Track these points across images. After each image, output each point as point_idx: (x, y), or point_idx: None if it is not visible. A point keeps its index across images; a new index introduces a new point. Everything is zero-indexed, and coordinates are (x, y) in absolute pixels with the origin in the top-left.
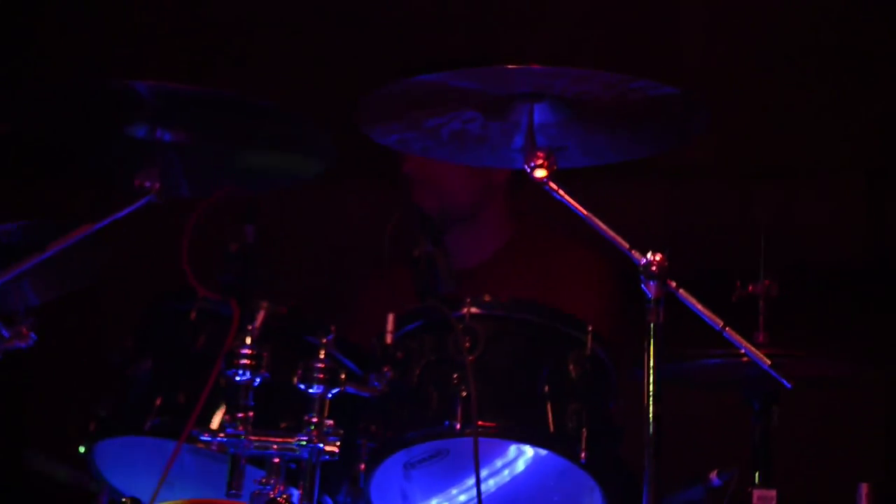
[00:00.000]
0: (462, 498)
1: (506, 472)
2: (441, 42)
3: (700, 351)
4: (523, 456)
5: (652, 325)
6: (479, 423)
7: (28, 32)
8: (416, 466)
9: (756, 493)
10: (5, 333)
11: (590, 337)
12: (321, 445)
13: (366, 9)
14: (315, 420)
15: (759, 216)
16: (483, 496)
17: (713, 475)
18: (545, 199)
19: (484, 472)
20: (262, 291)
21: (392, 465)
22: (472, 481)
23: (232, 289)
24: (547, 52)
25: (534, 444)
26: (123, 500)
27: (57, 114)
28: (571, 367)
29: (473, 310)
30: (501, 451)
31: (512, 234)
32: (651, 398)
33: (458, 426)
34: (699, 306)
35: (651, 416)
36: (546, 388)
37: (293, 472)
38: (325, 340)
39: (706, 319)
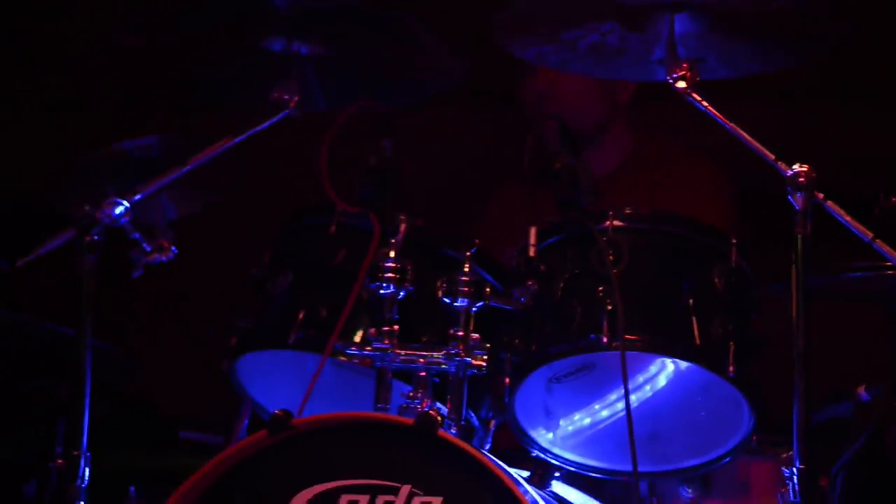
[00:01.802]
0: (605, 413)
1: (647, 387)
2: None
3: (844, 264)
4: (665, 371)
5: (799, 237)
6: (626, 336)
7: None
8: (561, 381)
9: None
10: (146, 247)
11: (734, 249)
12: (468, 359)
13: None
14: (461, 334)
15: None
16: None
17: (861, 390)
18: (662, 112)
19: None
20: (397, 206)
21: (536, 380)
22: (614, 396)
23: (371, 202)
24: None
25: (682, 357)
26: (276, 411)
27: (193, 27)
28: (716, 279)
29: (616, 223)
30: (643, 367)
31: (633, 147)
32: (798, 311)
33: (605, 340)
34: (848, 218)
35: (799, 330)
36: (690, 301)
37: (437, 386)
38: (468, 254)
39: (855, 231)
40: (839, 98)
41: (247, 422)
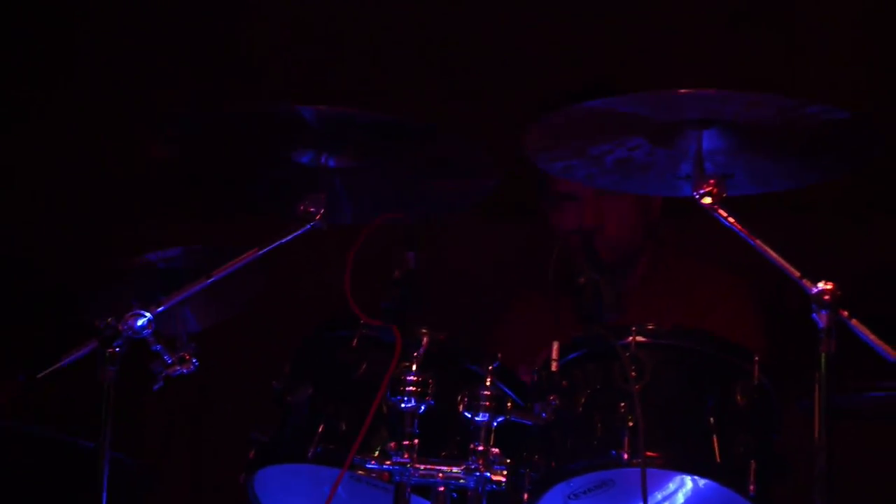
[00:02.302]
0: None
1: None
2: (607, 70)
3: (868, 383)
4: (683, 488)
5: (823, 355)
6: (646, 453)
7: (198, 58)
8: (579, 497)
9: None
10: (168, 359)
11: (756, 366)
12: (488, 474)
13: (529, 37)
14: (481, 448)
15: None
16: None
17: None
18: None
19: None
20: (419, 319)
21: (555, 496)
22: None
23: (394, 315)
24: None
25: (702, 475)
26: None
27: (222, 140)
28: (738, 397)
29: (639, 338)
30: (663, 484)
31: (654, 261)
32: (822, 430)
33: (626, 456)
34: (872, 336)
35: (823, 448)
36: (712, 419)
37: (455, 501)
38: (491, 368)
39: (878, 350)
40: (859, 213)
41: None
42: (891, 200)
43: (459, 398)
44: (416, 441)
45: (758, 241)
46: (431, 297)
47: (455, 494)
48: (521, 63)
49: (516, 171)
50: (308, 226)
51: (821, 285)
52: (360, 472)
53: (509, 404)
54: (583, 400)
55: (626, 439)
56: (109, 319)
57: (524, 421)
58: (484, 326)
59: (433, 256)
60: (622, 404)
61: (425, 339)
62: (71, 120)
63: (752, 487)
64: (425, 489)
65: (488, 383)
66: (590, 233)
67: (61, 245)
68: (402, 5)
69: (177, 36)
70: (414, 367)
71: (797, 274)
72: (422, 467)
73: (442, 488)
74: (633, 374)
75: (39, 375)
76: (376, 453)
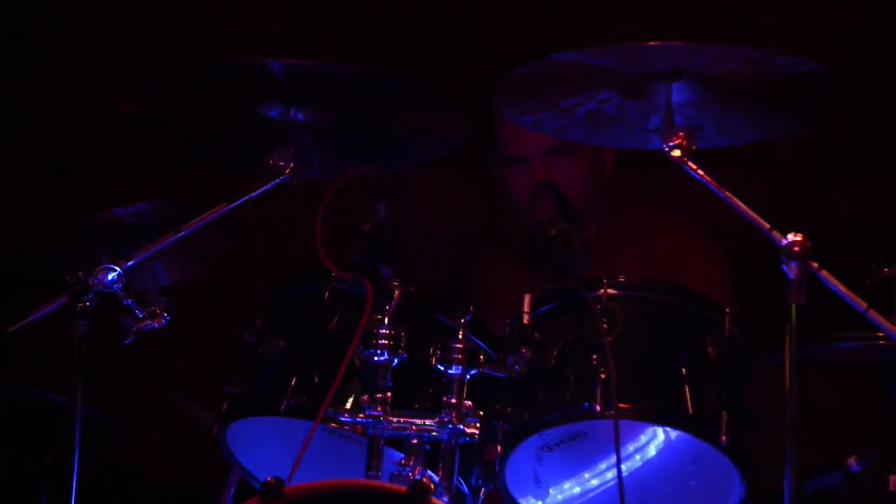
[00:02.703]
0: (594, 482)
1: (637, 456)
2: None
3: (835, 334)
4: (655, 440)
5: (793, 307)
6: (619, 404)
7: (161, 12)
8: (552, 449)
9: (893, 478)
10: (139, 313)
11: (727, 319)
12: (461, 427)
13: None
14: (454, 401)
15: None
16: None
17: (851, 460)
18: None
19: (616, 458)
20: (390, 271)
21: (527, 448)
22: (604, 465)
23: (365, 268)
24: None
25: (674, 426)
26: (267, 479)
27: (189, 94)
28: (710, 349)
29: (611, 291)
30: (634, 436)
31: (608, 212)
32: (792, 381)
33: (598, 408)
34: (842, 288)
35: (793, 399)
36: (683, 371)
37: (428, 454)
38: (463, 321)
39: (849, 301)
40: (828, 166)
41: (233, 489)
42: (854, 154)
43: (432, 351)
44: (388, 394)
45: (727, 194)
46: (401, 251)
47: (428, 447)
48: (488, 16)
49: (482, 123)
50: (277, 180)
51: (790, 237)
52: (333, 424)
53: (482, 357)
54: (555, 352)
55: (599, 391)
56: (79, 274)
57: (497, 374)
58: (455, 280)
59: (402, 210)
60: (594, 356)
61: (397, 292)
62: (31, 73)
63: (723, 438)
64: (398, 442)
65: (461, 336)
66: (553, 185)
67: (28, 202)
68: None
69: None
70: (386, 320)
71: (767, 226)
72: (395, 420)
73: (415, 441)
74: (605, 326)
75: (9, 330)
76: (349, 406)
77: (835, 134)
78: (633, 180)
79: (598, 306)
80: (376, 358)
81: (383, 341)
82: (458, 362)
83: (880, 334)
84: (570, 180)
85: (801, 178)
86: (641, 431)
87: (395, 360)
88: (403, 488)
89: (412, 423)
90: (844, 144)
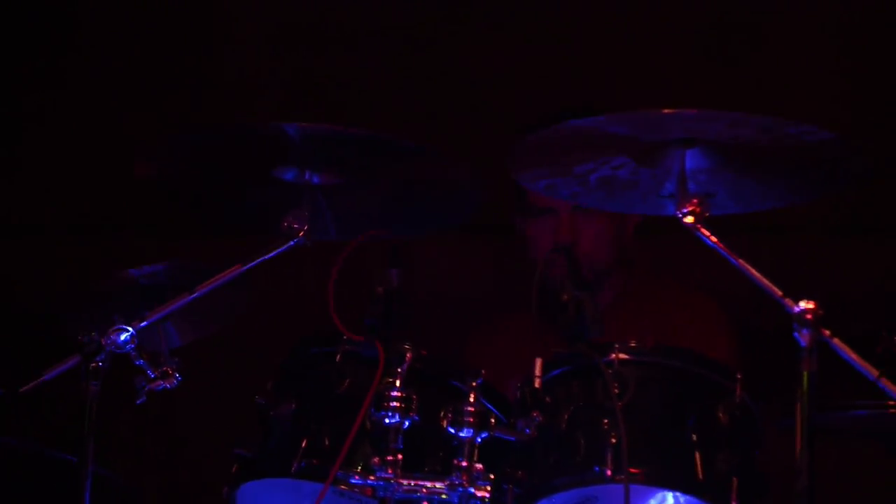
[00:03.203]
0: None
1: None
2: (586, 91)
3: (847, 402)
4: None
5: (805, 374)
6: (629, 469)
7: (176, 77)
8: None
9: None
10: (151, 374)
11: (739, 384)
12: (471, 490)
13: (512, 58)
14: (464, 464)
15: None
16: None
17: None
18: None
19: None
20: (402, 335)
21: None
22: None
23: (377, 331)
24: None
25: (685, 491)
26: None
27: (205, 158)
28: (721, 414)
29: (622, 356)
30: (643, 501)
31: (625, 280)
32: (804, 448)
33: (609, 472)
34: (853, 355)
35: (804, 465)
36: (694, 436)
37: None
38: (474, 384)
39: (860, 369)
40: (838, 233)
41: None
42: (870, 220)
43: (443, 414)
44: (399, 456)
45: (739, 261)
46: (414, 314)
47: None
48: (505, 83)
49: (496, 189)
50: (291, 242)
51: (802, 304)
52: (343, 486)
53: (493, 420)
54: (566, 416)
55: (609, 455)
56: (92, 334)
57: (507, 437)
58: (466, 344)
59: (415, 274)
60: (605, 421)
61: (408, 355)
62: (48, 134)
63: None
64: None
65: (472, 399)
66: (566, 248)
67: (43, 263)
68: (384, 22)
69: (157, 56)
70: (397, 383)
71: (779, 293)
72: (405, 483)
73: (425, 503)
74: (616, 390)
75: (22, 390)
76: (359, 468)
77: (845, 201)
78: (646, 247)
79: (610, 371)
80: (387, 420)
81: (395, 403)
82: (470, 425)
83: (891, 402)
84: (594, 240)
85: (811, 244)
86: (651, 496)
87: (407, 423)
88: None
89: (423, 486)
90: (854, 212)
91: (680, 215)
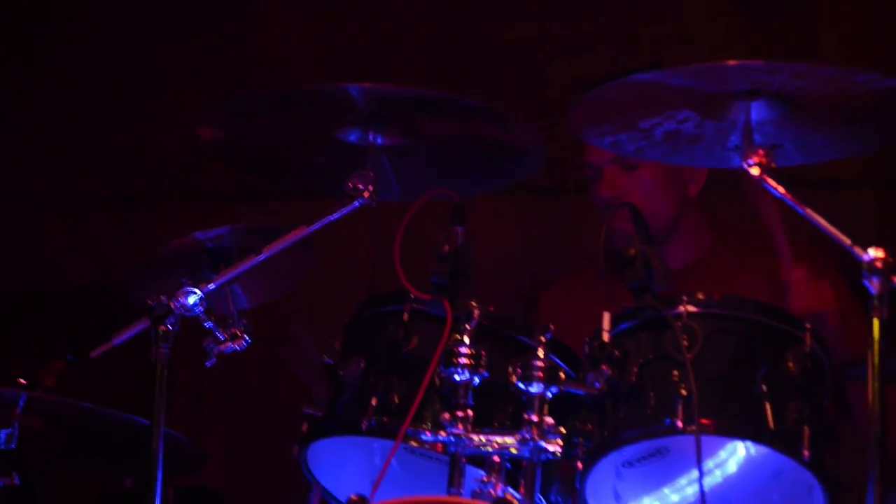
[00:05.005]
0: (674, 497)
1: (717, 472)
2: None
3: None
4: (735, 456)
5: (876, 322)
6: (701, 420)
7: (242, 41)
8: (633, 466)
9: None
10: (220, 336)
11: (808, 335)
12: (542, 444)
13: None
14: (535, 419)
15: None
16: (697, 497)
17: None
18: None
19: (696, 474)
20: (467, 293)
21: (608, 465)
22: (684, 481)
23: (444, 289)
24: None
25: (757, 441)
26: (351, 496)
27: (270, 120)
28: (790, 364)
29: (690, 308)
30: (714, 451)
31: (711, 243)
32: (876, 396)
33: (680, 424)
34: None
35: (876, 414)
36: (764, 387)
37: (509, 472)
38: (543, 339)
39: None
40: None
41: None
42: None
43: (512, 369)
44: (469, 412)
45: (808, 210)
46: (478, 273)
47: (509, 465)
48: (563, 41)
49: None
50: (356, 203)
51: (872, 252)
52: (413, 443)
53: (562, 375)
54: (635, 370)
55: (680, 407)
56: (161, 298)
57: (577, 391)
58: (538, 305)
59: (476, 232)
60: (675, 373)
61: (476, 312)
62: (116, 103)
63: (806, 453)
64: (480, 460)
65: (541, 354)
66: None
67: (109, 232)
68: None
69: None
70: (466, 340)
71: (848, 241)
72: (476, 438)
73: (496, 458)
74: (685, 343)
75: (93, 353)
76: (430, 425)
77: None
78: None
79: (679, 324)
80: (457, 377)
81: (464, 360)
82: (539, 380)
83: None
84: (645, 192)
85: (866, 198)
86: (721, 447)
87: (476, 379)
88: None
89: (493, 441)
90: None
91: (746, 166)
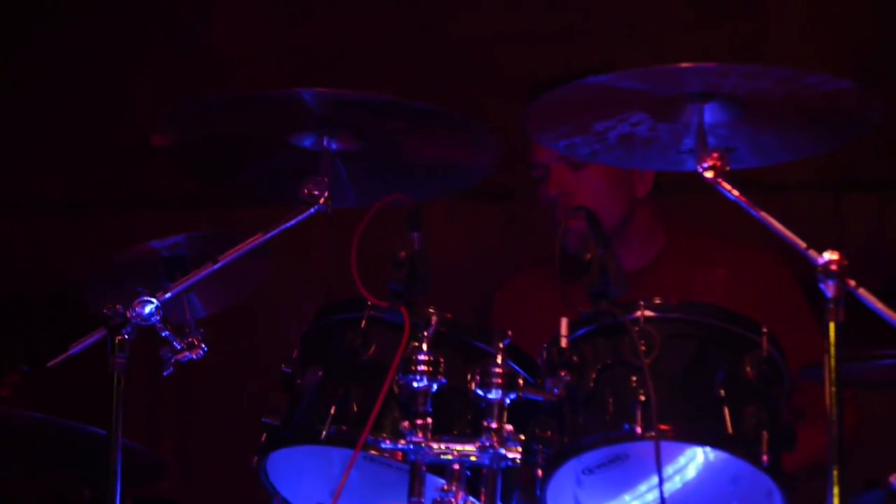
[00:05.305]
0: None
1: (677, 478)
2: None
3: (875, 352)
4: (694, 461)
5: (832, 325)
6: (660, 426)
7: (195, 45)
8: (593, 472)
9: None
10: (177, 345)
11: (765, 338)
12: (502, 451)
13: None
14: (494, 426)
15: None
16: (658, 503)
17: (893, 478)
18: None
19: (656, 479)
20: (424, 300)
21: (567, 472)
22: (644, 488)
23: (401, 296)
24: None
25: (715, 446)
26: None
27: (222, 125)
28: (748, 368)
29: (647, 313)
30: (673, 457)
31: (664, 246)
32: (833, 399)
33: (639, 430)
34: (880, 305)
35: (833, 417)
36: (722, 392)
37: (469, 479)
38: (501, 345)
39: (888, 319)
40: (842, 189)
41: None
42: (864, 176)
43: (470, 376)
44: (429, 420)
45: (762, 213)
46: (433, 279)
47: (469, 472)
48: (516, 42)
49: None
50: (312, 209)
51: (827, 255)
52: (373, 452)
53: (521, 381)
54: (593, 375)
55: (639, 413)
56: (117, 307)
57: (536, 397)
58: (492, 304)
59: (429, 238)
60: (633, 378)
61: (434, 319)
62: (67, 109)
63: (765, 458)
64: (440, 468)
65: (499, 360)
66: (561, 201)
67: (63, 240)
68: None
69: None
70: (424, 347)
71: (803, 245)
72: (436, 446)
73: (457, 466)
74: (643, 348)
75: (49, 364)
76: (389, 433)
77: (847, 157)
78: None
79: (636, 328)
80: (415, 384)
81: (422, 367)
82: (498, 386)
83: None
84: (594, 191)
85: (816, 201)
86: (680, 453)
87: (435, 386)
88: None
89: (453, 449)
90: (856, 167)
91: (700, 170)
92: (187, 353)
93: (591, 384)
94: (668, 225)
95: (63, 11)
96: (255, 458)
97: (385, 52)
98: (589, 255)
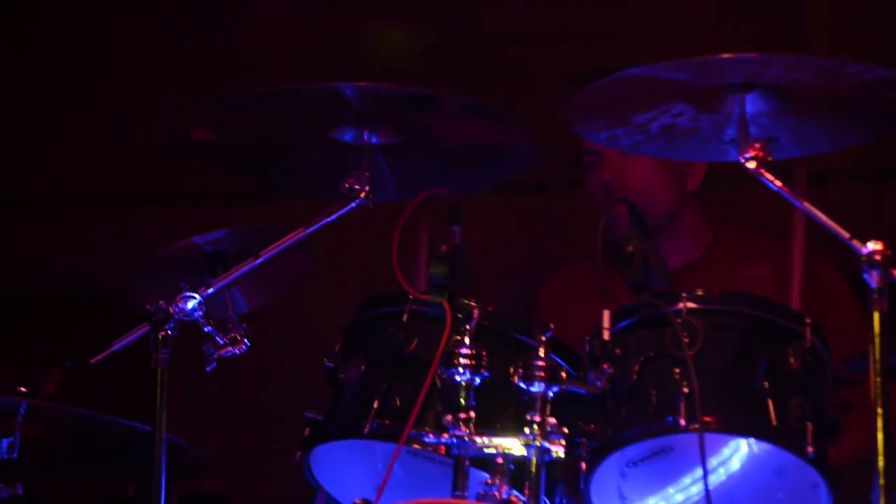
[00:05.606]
0: (679, 497)
1: (721, 470)
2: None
3: None
4: (738, 453)
5: (876, 315)
6: (704, 418)
7: (232, 40)
8: (636, 465)
9: None
10: (220, 340)
11: (808, 329)
12: (546, 445)
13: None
14: (538, 419)
15: None
16: (702, 496)
17: None
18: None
19: (700, 471)
20: (465, 293)
21: (611, 465)
22: (688, 480)
23: (442, 290)
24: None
25: (760, 438)
26: (356, 501)
27: (262, 120)
28: (791, 359)
29: (690, 304)
30: (717, 449)
31: (712, 240)
32: (877, 390)
33: (683, 422)
34: None
35: (878, 408)
36: (766, 383)
37: (513, 473)
38: (543, 338)
39: None
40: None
41: None
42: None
43: (513, 370)
44: (472, 413)
45: (805, 204)
46: (474, 272)
47: (512, 466)
48: (555, 37)
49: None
50: (353, 203)
51: (871, 245)
52: (416, 446)
53: (563, 374)
54: (636, 368)
55: (682, 405)
56: (160, 303)
57: (579, 390)
58: (536, 297)
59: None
60: (676, 370)
61: (476, 312)
62: (105, 107)
63: (809, 449)
64: (483, 462)
65: (542, 353)
66: (613, 186)
67: (106, 237)
68: None
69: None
70: (466, 340)
71: (847, 235)
72: (479, 440)
73: (500, 460)
74: (686, 340)
75: (93, 361)
76: (432, 427)
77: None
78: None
79: (679, 320)
80: (458, 378)
81: (465, 361)
82: (540, 379)
83: None
84: (643, 179)
85: (856, 191)
86: (724, 445)
87: (478, 380)
88: None
89: (497, 443)
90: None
91: (742, 160)
92: (230, 349)
93: (634, 377)
94: (714, 219)
95: (63, 12)
96: (299, 452)
97: (418, 51)
98: (631, 248)
